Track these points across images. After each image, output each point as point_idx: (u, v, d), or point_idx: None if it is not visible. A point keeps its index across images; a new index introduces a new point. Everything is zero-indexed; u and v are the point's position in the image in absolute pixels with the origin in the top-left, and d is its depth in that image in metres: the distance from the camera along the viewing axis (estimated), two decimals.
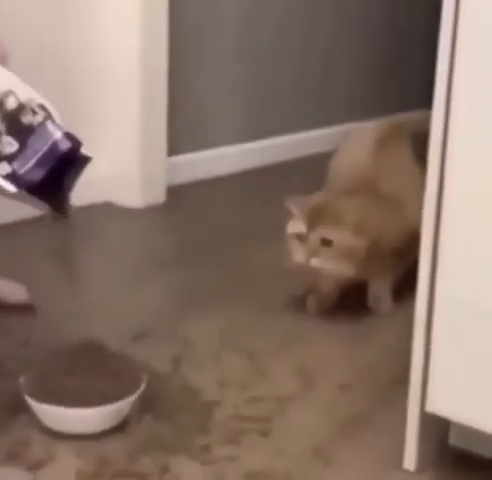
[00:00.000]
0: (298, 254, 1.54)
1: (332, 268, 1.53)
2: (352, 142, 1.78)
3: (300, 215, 1.55)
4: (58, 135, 1.14)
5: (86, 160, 1.17)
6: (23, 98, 1.16)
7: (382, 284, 1.66)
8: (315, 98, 2.91)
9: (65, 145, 1.14)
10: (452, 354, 1.05)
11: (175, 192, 2.34)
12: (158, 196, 2.31)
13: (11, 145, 1.13)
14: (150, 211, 2.26)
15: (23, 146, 1.13)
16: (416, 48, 3.28)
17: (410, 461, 1.12)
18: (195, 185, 2.46)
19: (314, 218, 1.53)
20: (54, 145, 1.14)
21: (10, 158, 1.13)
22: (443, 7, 0.99)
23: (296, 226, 1.55)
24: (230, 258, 1.91)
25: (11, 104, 1.15)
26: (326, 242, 1.52)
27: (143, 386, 1.22)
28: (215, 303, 1.66)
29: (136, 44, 2.20)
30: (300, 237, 1.54)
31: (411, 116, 3.12)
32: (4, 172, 1.12)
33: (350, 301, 1.64)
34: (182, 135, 2.44)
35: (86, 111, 2.23)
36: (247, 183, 2.56)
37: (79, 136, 1.17)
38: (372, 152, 1.70)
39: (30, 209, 1.22)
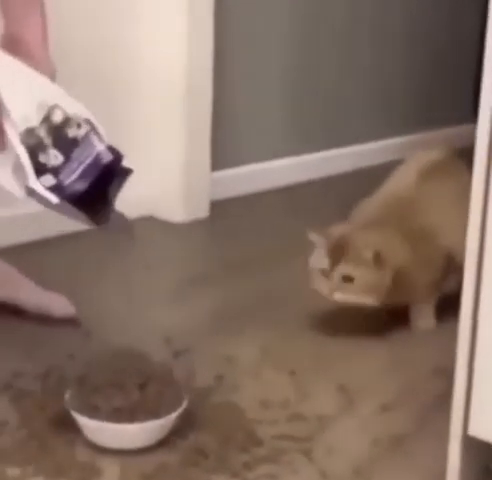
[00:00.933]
0: (322, 287, 1.57)
1: (355, 301, 1.56)
2: (400, 169, 1.78)
3: (323, 250, 1.57)
4: (101, 148, 1.17)
5: (127, 172, 1.20)
6: (69, 111, 1.19)
7: (424, 303, 1.66)
8: (363, 112, 2.90)
9: (108, 157, 1.17)
10: None
11: (218, 207, 2.35)
12: (201, 211, 2.32)
13: (56, 158, 1.16)
14: (193, 226, 2.27)
15: (68, 159, 1.16)
16: (470, 62, 3.25)
17: None
18: (239, 200, 2.47)
19: (336, 254, 1.55)
20: (97, 157, 1.16)
21: (55, 170, 1.16)
22: (488, 19, 0.98)
23: (319, 261, 1.57)
24: (272, 274, 1.92)
25: (57, 117, 1.18)
26: (348, 278, 1.55)
27: (186, 402, 1.24)
28: (255, 319, 1.67)
29: (181, 58, 2.21)
30: (323, 271, 1.57)
31: (465, 129, 3.10)
32: (48, 184, 1.15)
33: (391, 319, 1.64)
34: (226, 150, 2.45)
35: (130, 125, 2.26)
36: (291, 198, 2.55)
37: (122, 150, 1.20)
38: (412, 183, 1.69)
39: (72, 223, 1.25)
